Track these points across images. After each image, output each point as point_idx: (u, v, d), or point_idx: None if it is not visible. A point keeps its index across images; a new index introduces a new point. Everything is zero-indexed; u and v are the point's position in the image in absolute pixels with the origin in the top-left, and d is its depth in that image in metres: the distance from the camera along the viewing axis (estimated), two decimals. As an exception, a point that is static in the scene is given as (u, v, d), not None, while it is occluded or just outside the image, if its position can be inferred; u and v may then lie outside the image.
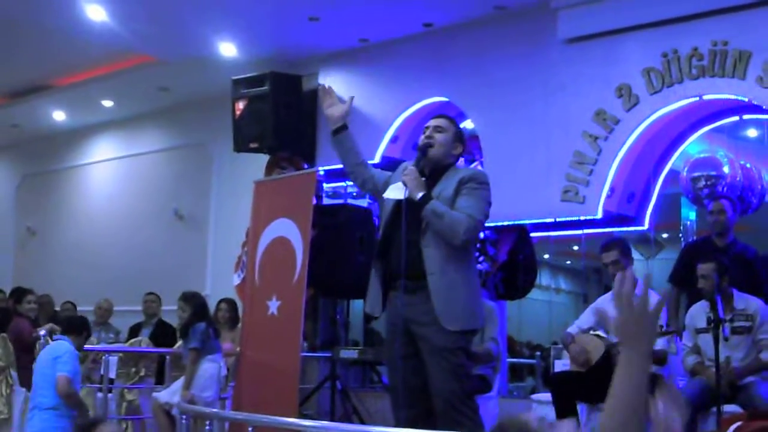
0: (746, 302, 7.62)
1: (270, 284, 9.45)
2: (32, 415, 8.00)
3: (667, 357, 7.66)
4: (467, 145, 11.32)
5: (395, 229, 5.98)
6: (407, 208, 5.88)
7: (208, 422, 6.22)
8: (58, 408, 7.91)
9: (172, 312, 12.58)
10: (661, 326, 7.52)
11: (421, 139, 6.15)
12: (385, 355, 6.41)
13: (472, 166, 11.08)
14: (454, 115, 11.40)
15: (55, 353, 8.14)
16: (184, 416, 6.67)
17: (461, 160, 10.98)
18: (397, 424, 5.99)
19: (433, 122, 6.20)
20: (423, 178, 5.96)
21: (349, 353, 9.68)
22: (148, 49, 12.66)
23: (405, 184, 5.92)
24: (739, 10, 9.30)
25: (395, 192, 5.98)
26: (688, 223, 11.95)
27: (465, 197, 5.91)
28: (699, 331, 7.57)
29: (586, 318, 8.14)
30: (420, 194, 5.85)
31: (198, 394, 8.78)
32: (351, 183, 12.06)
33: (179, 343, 10.97)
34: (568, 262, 16.47)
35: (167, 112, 15.00)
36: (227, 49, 12.28)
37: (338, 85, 12.30)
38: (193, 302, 9.34)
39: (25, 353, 9.97)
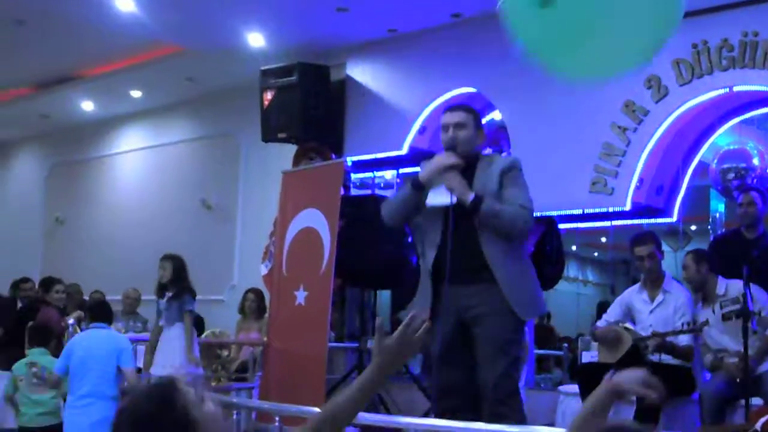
0: (726, 287, 7.61)
1: (297, 274, 9.45)
2: (88, 402, 8.03)
3: (693, 353, 7.61)
4: (497, 136, 11.36)
5: (446, 231, 5.89)
6: (455, 211, 5.83)
7: (235, 411, 6.22)
8: (117, 399, 8.02)
9: (198, 301, 12.68)
10: (688, 323, 7.50)
11: (444, 139, 6.06)
12: (430, 347, 6.26)
13: (502, 155, 11.05)
14: (482, 106, 11.46)
15: (117, 346, 8.23)
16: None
17: (489, 151, 11.01)
18: (439, 414, 5.94)
19: (450, 119, 6.06)
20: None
21: (376, 344, 9.65)
22: (176, 39, 12.68)
23: (451, 189, 5.84)
24: (770, 1, 9.26)
25: (440, 198, 5.91)
26: (717, 215, 11.89)
27: (511, 188, 5.89)
28: (725, 317, 7.53)
29: (614, 311, 8.12)
30: (471, 197, 5.78)
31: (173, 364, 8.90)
32: (379, 174, 12.11)
33: (207, 332, 11.02)
34: (596, 254, 16.39)
35: (195, 102, 15.03)
36: (255, 40, 12.28)
37: (366, 75, 12.33)
38: (174, 262, 9.46)
39: (56, 341, 10.01)
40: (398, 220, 6.30)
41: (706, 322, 7.47)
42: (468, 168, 5.96)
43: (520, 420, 5.82)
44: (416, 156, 11.89)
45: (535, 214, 10.22)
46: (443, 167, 5.88)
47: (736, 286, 7.34)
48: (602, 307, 13.65)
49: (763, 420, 3.71)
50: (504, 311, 5.78)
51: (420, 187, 5.98)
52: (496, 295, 5.78)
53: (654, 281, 7.86)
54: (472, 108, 6.26)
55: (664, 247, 12.20)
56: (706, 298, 7.68)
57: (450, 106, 6.27)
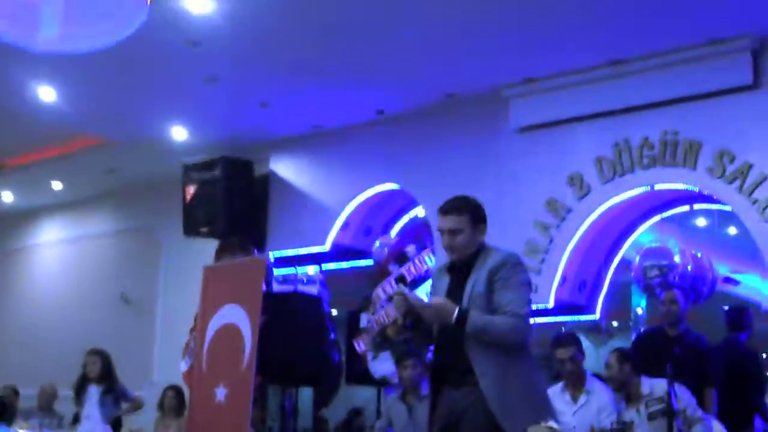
0: (651, 385, 7.56)
1: (217, 371, 9.26)
2: None
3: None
4: (420, 232, 11.34)
5: (442, 329, 5.50)
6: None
7: None
8: None
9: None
10: (617, 422, 7.45)
11: (442, 242, 5.62)
12: None
13: (424, 253, 11.01)
14: (405, 203, 11.46)
15: None
16: None
17: (413, 247, 10.98)
18: None
19: (443, 224, 5.59)
20: (445, 298, 5.44)
21: (297, 443, 9.49)
22: (98, 130, 12.58)
23: (430, 323, 5.47)
24: (689, 101, 9.40)
25: (384, 366, 5.70)
26: (639, 311, 11.94)
27: (501, 291, 5.41)
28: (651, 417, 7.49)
29: None
30: (453, 318, 5.30)
31: None
32: (302, 269, 12.02)
33: (124, 430, 10.77)
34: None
35: (116, 194, 14.89)
36: (178, 133, 12.22)
37: (290, 170, 12.31)
38: (103, 357, 9.56)
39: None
40: (425, 345, 6.08)
41: (633, 423, 7.43)
42: (467, 266, 5.56)
43: None
44: (340, 252, 11.85)
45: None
46: (405, 312, 5.48)
47: (660, 386, 7.31)
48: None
49: None
50: (488, 422, 5.30)
51: (413, 326, 5.57)
52: (482, 404, 5.32)
53: (576, 382, 7.81)
54: (465, 205, 5.69)
55: (586, 343, 12.21)
56: (630, 398, 7.63)
57: (443, 207, 5.68)
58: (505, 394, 5.32)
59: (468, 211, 5.61)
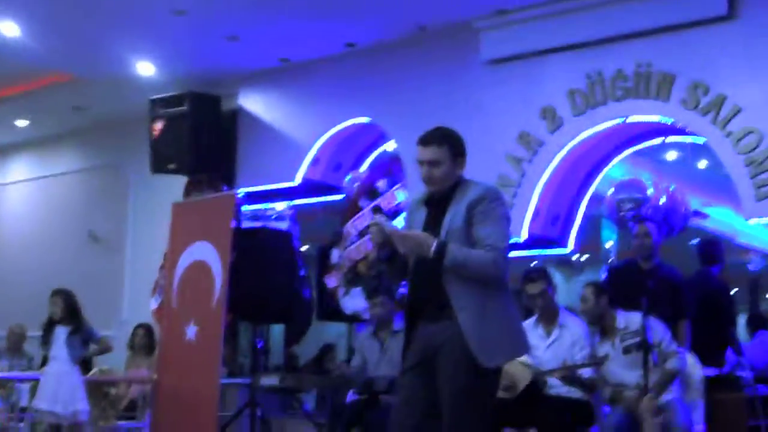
0: (626, 319, 7.52)
1: (188, 309, 9.22)
2: None
3: (597, 385, 7.53)
4: (391, 167, 11.25)
5: (418, 263, 5.40)
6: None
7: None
8: None
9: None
10: (592, 356, 7.43)
11: (421, 174, 5.48)
12: (398, 387, 5.82)
13: (396, 188, 10.93)
14: (376, 137, 11.36)
15: None
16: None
17: (384, 182, 10.89)
18: None
19: (423, 155, 5.46)
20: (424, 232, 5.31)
21: (269, 380, 9.44)
22: (63, 66, 12.35)
23: (406, 254, 5.37)
24: (663, 32, 9.30)
25: (356, 302, 5.63)
26: (609, 245, 11.94)
27: (480, 225, 5.32)
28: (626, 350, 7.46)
29: None
30: (432, 250, 5.20)
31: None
32: (271, 206, 11.92)
33: (94, 369, 10.71)
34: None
35: (83, 132, 14.72)
36: (145, 69, 12.03)
37: (258, 105, 12.17)
38: (65, 297, 9.50)
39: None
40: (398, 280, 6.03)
41: (607, 357, 7.40)
42: (446, 199, 5.45)
43: None
44: (309, 187, 11.75)
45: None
46: (381, 243, 5.40)
47: (635, 319, 7.28)
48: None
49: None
50: (465, 358, 5.21)
51: (389, 258, 5.48)
52: (459, 340, 5.23)
53: (549, 316, 7.78)
54: (446, 137, 5.54)
55: (557, 277, 12.23)
56: (605, 331, 7.59)
57: (423, 138, 5.53)
58: (483, 329, 5.25)
59: (448, 143, 5.48)
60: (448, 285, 5.26)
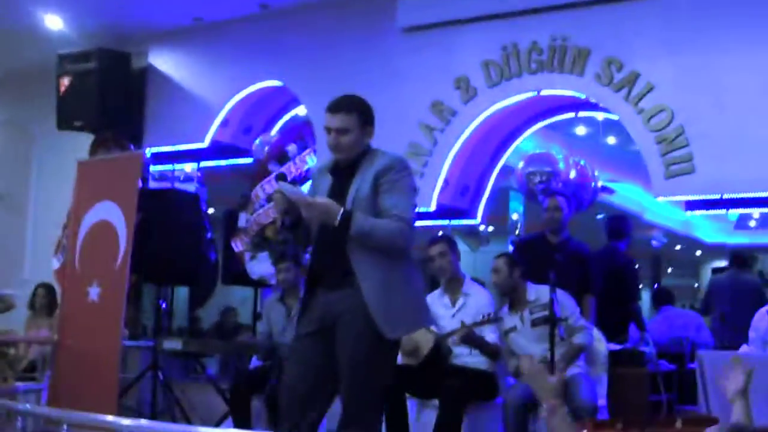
0: (537, 292, 7.54)
1: (91, 269, 9.06)
2: None
3: (500, 351, 7.55)
4: (302, 131, 11.16)
5: (322, 230, 5.41)
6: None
7: (20, 418, 5.83)
8: None
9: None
10: (490, 314, 7.43)
11: (327, 141, 5.50)
12: (292, 351, 5.83)
13: (306, 153, 10.84)
14: (287, 100, 11.25)
15: None
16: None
17: (294, 147, 10.80)
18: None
19: (331, 122, 5.44)
20: (329, 199, 5.30)
21: (172, 344, 9.32)
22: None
23: (310, 221, 5.37)
24: (579, 7, 9.31)
25: (262, 266, 5.61)
26: (515, 217, 12.01)
27: (387, 195, 5.32)
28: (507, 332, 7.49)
29: None
30: (337, 219, 5.18)
31: None
32: (179, 167, 11.78)
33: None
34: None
35: (-14, 86, 14.38)
36: (53, 22, 11.74)
37: (169, 64, 11.98)
38: None
39: None
40: (304, 244, 5.86)
41: (499, 318, 7.43)
42: (352, 167, 5.45)
43: None
44: (218, 149, 11.62)
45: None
46: (284, 210, 5.38)
47: (546, 292, 7.30)
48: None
49: (580, 436, 3.59)
50: (366, 327, 5.22)
51: (292, 225, 5.45)
52: (361, 310, 5.23)
53: (453, 284, 7.79)
54: (355, 105, 5.55)
55: (463, 247, 12.25)
56: (514, 303, 7.60)
57: (332, 105, 5.51)
58: (386, 300, 5.27)
59: (357, 111, 5.48)
60: (352, 254, 5.26)
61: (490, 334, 7.52)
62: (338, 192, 5.39)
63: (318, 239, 5.48)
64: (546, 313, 7.22)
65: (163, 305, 11.15)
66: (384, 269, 5.29)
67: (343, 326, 5.30)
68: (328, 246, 5.37)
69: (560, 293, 7.31)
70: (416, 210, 5.55)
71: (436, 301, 7.81)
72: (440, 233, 8.64)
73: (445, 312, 7.72)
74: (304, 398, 5.38)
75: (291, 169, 10.57)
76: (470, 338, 7.41)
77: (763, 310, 8.00)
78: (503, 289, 7.59)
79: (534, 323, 7.41)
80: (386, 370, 5.45)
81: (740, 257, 11.29)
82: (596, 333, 7.79)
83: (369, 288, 5.24)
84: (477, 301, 7.66)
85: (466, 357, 7.61)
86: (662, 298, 11.06)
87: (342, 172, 5.47)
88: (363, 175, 5.39)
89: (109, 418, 5.15)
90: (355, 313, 5.24)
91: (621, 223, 9.70)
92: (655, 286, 12.53)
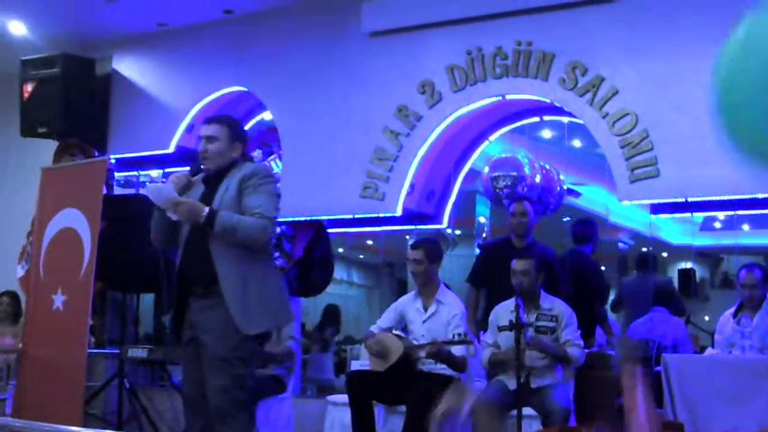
0: (552, 303, 7.61)
1: (55, 277, 9.04)
2: None
3: (467, 363, 7.56)
4: (267, 137, 11.13)
5: (188, 233, 5.92)
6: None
7: (-17, 429, 5.80)
8: None
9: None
10: (461, 334, 7.43)
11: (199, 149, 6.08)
12: (181, 358, 6.22)
13: (271, 158, 10.85)
14: (253, 106, 11.21)
15: None
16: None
17: (259, 152, 10.79)
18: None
19: (204, 131, 6.03)
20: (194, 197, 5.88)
21: (137, 352, 9.27)
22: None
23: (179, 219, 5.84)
24: (544, 11, 9.33)
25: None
26: (482, 220, 12.02)
27: (251, 196, 5.80)
28: (501, 329, 7.48)
29: (388, 317, 8.05)
30: (204, 213, 5.69)
31: None
32: (144, 173, 11.73)
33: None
34: (362, 256, 16.38)
35: (-51, 92, 14.24)
36: (16, 28, 11.65)
37: (133, 70, 11.93)
38: None
39: None
40: (160, 241, 6.22)
41: (469, 341, 7.43)
42: (220, 177, 5.94)
43: None
44: (183, 155, 11.57)
45: (303, 218, 10.22)
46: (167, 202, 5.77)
47: (558, 304, 7.63)
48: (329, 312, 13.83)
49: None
50: (225, 327, 5.67)
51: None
52: (222, 310, 5.68)
53: (427, 290, 7.81)
54: (229, 120, 6.19)
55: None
56: (526, 305, 7.58)
57: (207, 118, 6.28)
58: (243, 297, 5.68)
59: (229, 126, 6.07)
60: (215, 254, 5.70)
61: (458, 349, 7.52)
62: (208, 198, 5.86)
63: (186, 246, 5.90)
64: (553, 324, 7.43)
65: (129, 313, 11.10)
66: (242, 268, 5.72)
67: (208, 331, 5.74)
68: (194, 247, 5.79)
69: (565, 306, 7.58)
70: (278, 213, 5.96)
71: (409, 304, 7.89)
72: (423, 238, 8.55)
73: (417, 316, 7.79)
74: (196, 406, 5.84)
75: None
76: (438, 354, 7.42)
77: (727, 312, 8.03)
78: (528, 292, 7.55)
79: (538, 330, 7.43)
80: (247, 364, 5.78)
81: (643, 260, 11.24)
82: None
83: (227, 286, 5.65)
84: (449, 309, 7.69)
85: (432, 365, 7.63)
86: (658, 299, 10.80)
87: (212, 181, 5.95)
88: (229, 181, 5.87)
89: (74, 428, 5.14)
90: (217, 316, 5.68)
91: (587, 228, 9.71)
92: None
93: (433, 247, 7.94)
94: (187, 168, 6.12)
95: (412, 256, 7.83)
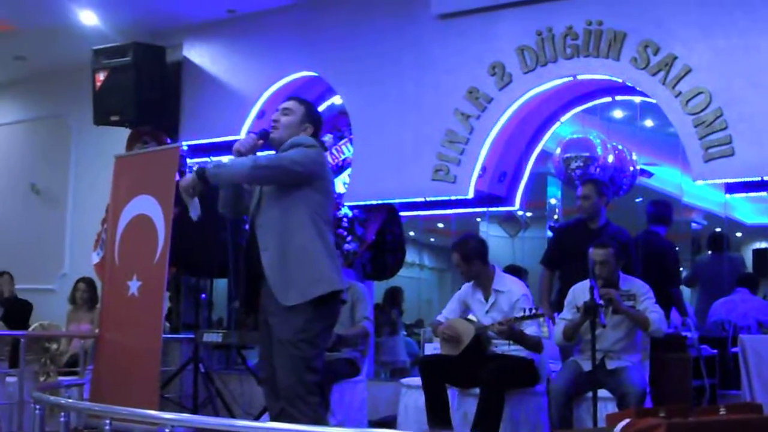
0: (630, 283, 7.54)
1: (130, 263, 9.12)
2: None
3: (542, 343, 7.53)
4: (337, 121, 11.15)
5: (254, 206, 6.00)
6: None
7: (63, 413, 5.85)
8: None
9: (26, 291, 12.09)
10: (531, 309, 7.40)
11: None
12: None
13: (342, 143, 10.88)
14: (323, 91, 11.22)
15: None
16: (38, 406, 6.25)
17: (330, 137, 10.80)
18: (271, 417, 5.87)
19: (284, 104, 6.08)
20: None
21: (212, 337, 9.33)
22: (4, 16, 12.07)
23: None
24: (615, -10, 9.22)
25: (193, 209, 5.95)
26: (553, 202, 11.94)
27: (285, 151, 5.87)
28: (579, 309, 7.40)
29: (452, 307, 8.05)
30: (194, 175, 5.90)
31: None
32: (216, 159, 11.79)
33: (35, 324, 10.56)
34: (432, 239, 16.37)
35: (25, 82, 14.43)
36: (88, 18, 11.78)
37: (204, 57, 11.99)
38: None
39: None
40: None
41: (540, 315, 7.38)
42: (277, 150, 6.01)
43: (315, 420, 5.55)
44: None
45: (376, 202, 10.23)
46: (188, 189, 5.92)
47: (637, 284, 7.59)
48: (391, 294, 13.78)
49: (621, 425, 3.57)
50: (289, 309, 5.64)
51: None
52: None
53: (482, 283, 7.82)
54: (308, 103, 6.21)
55: (502, 233, 12.22)
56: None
57: (290, 96, 6.38)
58: (282, 268, 5.66)
59: (306, 106, 6.10)
60: (258, 228, 5.78)
61: (530, 327, 7.48)
62: None
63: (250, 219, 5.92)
64: (631, 302, 7.38)
65: (203, 297, 11.19)
66: (282, 238, 5.68)
67: (275, 313, 5.73)
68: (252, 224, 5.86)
69: (642, 284, 7.57)
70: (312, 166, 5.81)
71: (471, 296, 7.87)
72: (459, 239, 8.27)
73: (479, 307, 7.80)
74: (272, 388, 5.78)
75: (328, 159, 10.57)
76: (510, 332, 7.37)
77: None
78: (608, 282, 7.46)
79: (616, 311, 7.34)
80: (318, 347, 5.73)
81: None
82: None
83: (266, 258, 5.68)
84: (509, 297, 7.66)
85: (506, 346, 7.60)
86: (741, 280, 10.66)
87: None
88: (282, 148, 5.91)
89: (152, 412, 5.17)
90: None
91: (662, 208, 9.62)
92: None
93: (466, 248, 7.83)
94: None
95: (454, 259, 7.88)
